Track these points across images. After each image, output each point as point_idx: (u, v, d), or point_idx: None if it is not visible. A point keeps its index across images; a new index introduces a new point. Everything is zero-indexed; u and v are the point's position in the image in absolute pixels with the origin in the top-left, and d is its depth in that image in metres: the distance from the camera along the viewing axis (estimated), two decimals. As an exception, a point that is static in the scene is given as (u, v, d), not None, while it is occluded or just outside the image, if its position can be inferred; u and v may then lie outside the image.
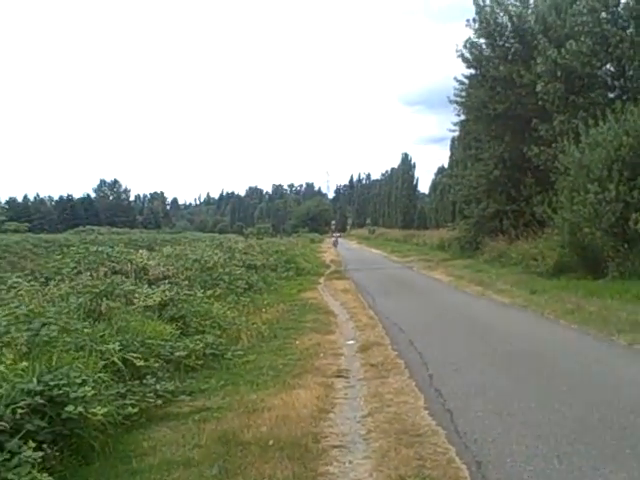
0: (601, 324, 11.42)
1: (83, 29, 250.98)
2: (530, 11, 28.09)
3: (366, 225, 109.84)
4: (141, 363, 7.54)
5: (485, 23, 28.57)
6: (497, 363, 9.04)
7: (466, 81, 31.50)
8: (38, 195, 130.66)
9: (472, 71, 30.55)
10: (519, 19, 27.81)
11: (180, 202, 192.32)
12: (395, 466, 5.20)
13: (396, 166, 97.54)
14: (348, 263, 36.53)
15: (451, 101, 32.58)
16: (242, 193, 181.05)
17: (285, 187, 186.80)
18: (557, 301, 14.63)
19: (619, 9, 23.63)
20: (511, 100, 27.83)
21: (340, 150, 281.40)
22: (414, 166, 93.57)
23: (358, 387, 8.12)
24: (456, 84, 32.01)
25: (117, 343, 7.56)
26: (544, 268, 20.48)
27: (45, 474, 4.56)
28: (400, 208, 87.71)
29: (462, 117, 33.32)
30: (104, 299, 9.63)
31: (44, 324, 6.90)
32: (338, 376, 8.66)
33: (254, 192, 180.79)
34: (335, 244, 63.31)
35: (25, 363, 5.90)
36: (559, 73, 23.35)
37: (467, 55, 29.84)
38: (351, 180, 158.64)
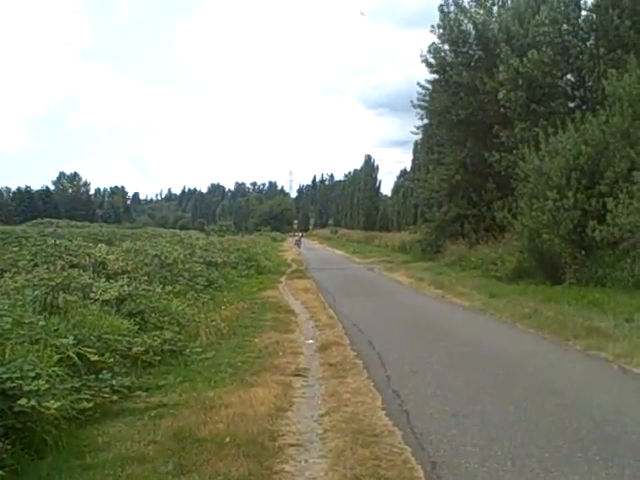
0: (557, 329, 11.59)
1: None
2: (494, 19, 28.35)
3: (328, 225, 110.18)
4: (95, 358, 7.42)
5: (449, 29, 28.78)
6: (455, 365, 9.10)
7: (429, 86, 31.83)
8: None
9: (436, 76, 30.79)
10: (483, 27, 28.06)
11: (141, 197, 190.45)
12: (351, 465, 5.21)
13: (359, 168, 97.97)
14: (310, 263, 36.56)
15: (414, 105, 32.91)
16: (204, 190, 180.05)
17: (248, 185, 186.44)
18: (515, 305, 14.82)
19: (580, 21, 24.25)
20: (474, 106, 28.12)
21: (303, 150, 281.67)
22: (377, 168, 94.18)
23: (316, 386, 8.11)
24: (419, 89, 32.33)
25: (72, 337, 7.43)
26: (503, 272, 20.75)
27: (-5, 468, 4.46)
28: (362, 210, 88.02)
29: (425, 121, 33.62)
30: (60, 292, 9.48)
31: (-3, 316, 6.77)
32: (297, 375, 8.65)
33: (216, 189, 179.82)
34: (298, 244, 61.68)
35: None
36: (521, 81, 23.70)
37: (431, 60, 30.06)
38: (314, 180, 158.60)
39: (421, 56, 30.07)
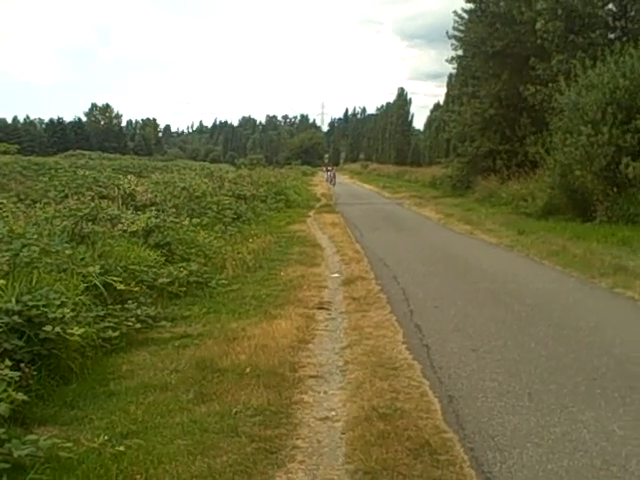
0: (584, 267, 11.47)
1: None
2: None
3: (359, 160, 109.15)
4: (121, 287, 7.55)
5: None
6: (478, 302, 9.09)
7: (466, 16, 30.88)
8: (28, 117, 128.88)
9: (472, 6, 29.93)
10: (522, -47, 27.03)
11: (172, 130, 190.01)
12: (368, 397, 5.27)
13: (392, 101, 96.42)
14: (339, 197, 36.44)
15: (450, 36, 32.05)
16: (235, 123, 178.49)
17: (279, 118, 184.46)
18: (543, 242, 14.68)
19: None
20: (510, 37, 27.35)
21: (336, 83, 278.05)
22: (410, 102, 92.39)
23: (339, 319, 8.18)
24: (456, 18, 31.43)
25: (98, 267, 7.55)
26: (533, 209, 20.51)
27: (21, 393, 4.57)
28: (394, 144, 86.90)
29: (460, 52, 32.80)
30: (89, 223, 9.59)
31: (24, 245, 6.87)
32: (320, 308, 8.72)
33: (247, 122, 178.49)
34: (331, 180, 51.70)
35: (3, 281, 5.88)
36: (560, 11, 22.86)
37: (467, -12, 29.19)
38: (346, 113, 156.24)
39: (457, -16, 29.22)
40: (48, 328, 5.36)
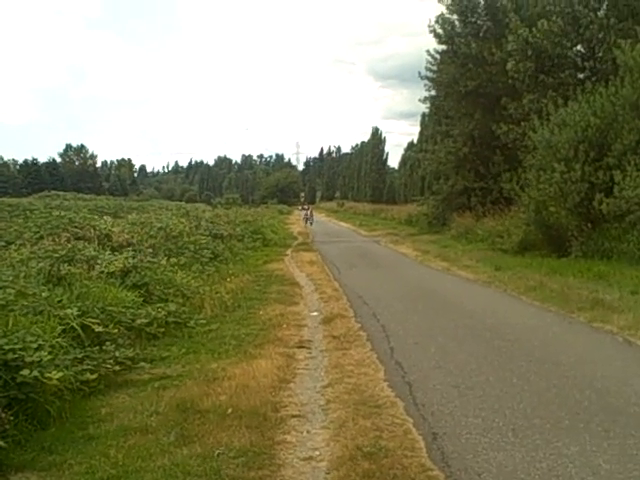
0: (562, 302, 11.57)
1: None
2: (502, -12, 28.00)
3: (335, 198, 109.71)
4: (100, 329, 7.46)
5: (458, -1, 28.50)
6: (458, 338, 9.09)
7: (438, 57, 31.44)
8: (1, 158, 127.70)
9: (444, 47, 30.50)
10: (492, -4, 27.74)
11: (148, 170, 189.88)
12: (352, 436, 5.22)
13: (366, 140, 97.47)
14: (316, 235, 36.50)
15: (422, 77, 32.58)
16: (211, 162, 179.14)
17: (255, 157, 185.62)
18: (520, 278, 14.77)
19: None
20: (482, 77, 27.90)
21: (311, 122, 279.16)
22: (384, 140, 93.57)
23: (320, 358, 8.13)
24: (429, 58, 31.98)
25: (76, 308, 7.45)
26: (509, 245, 20.71)
27: (-3, 438, 4.49)
28: (369, 182, 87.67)
29: (433, 93, 33.32)
30: (65, 264, 9.50)
31: (0, 287, 6.78)
32: (300, 347, 8.67)
33: (223, 162, 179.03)
34: (308, 219, 48.27)
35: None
36: (530, 52, 23.41)
37: (439, 31, 29.82)
38: (321, 153, 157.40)
39: (429, 27, 29.89)
40: (25, 372, 5.28)
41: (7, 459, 4.77)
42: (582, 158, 17.63)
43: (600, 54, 23.51)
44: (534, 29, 22.97)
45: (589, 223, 17.59)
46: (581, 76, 24.11)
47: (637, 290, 12.11)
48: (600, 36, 22.79)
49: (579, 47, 24.44)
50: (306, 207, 57.24)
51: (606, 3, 23.37)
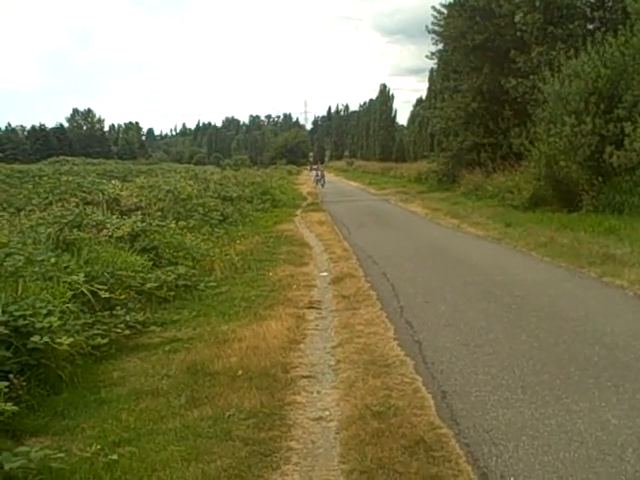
0: (573, 257, 11.50)
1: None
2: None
3: (344, 157, 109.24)
4: (106, 294, 7.47)
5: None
6: (468, 295, 9.08)
7: (444, 11, 30.90)
8: (9, 125, 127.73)
9: (451, 0, 29.96)
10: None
11: (156, 133, 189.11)
12: (362, 396, 5.25)
13: (374, 97, 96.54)
14: (325, 195, 36.41)
15: (429, 30, 32.02)
16: (219, 124, 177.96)
17: (262, 118, 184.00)
18: (531, 234, 14.69)
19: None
20: (490, 31, 27.38)
21: (318, 81, 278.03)
22: (392, 97, 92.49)
23: (329, 318, 8.15)
24: (435, 13, 31.45)
25: (83, 274, 7.46)
26: (519, 201, 20.54)
27: (10, 403, 4.52)
28: (378, 140, 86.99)
29: (440, 47, 32.81)
30: (73, 229, 9.50)
31: (8, 254, 6.80)
32: (310, 307, 8.68)
33: (231, 123, 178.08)
34: (319, 181, 45.49)
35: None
36: (538, 3, 22.97)
37: (446, -17, 29.24)
38: (329, 111, 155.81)
39: (436, -21, 29.29)
40: (36, 338, 5.31)
41: (21, 424, 4.83)
42: (592, 110, 17.35)
43: (610, 3, 23.09)
44: (543, -21, 22.50)
45: (600, 177, 17.39)
46: (590, 27, 23.69)
47: (648, 244, 12.01)
48: (610, -16, 22.35)
49: (588, -4, 23.99)
50: (316, 167, 54.90)
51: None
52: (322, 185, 44.40)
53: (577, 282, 9.87)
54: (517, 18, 23.73)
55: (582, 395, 5.08)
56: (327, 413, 5.06)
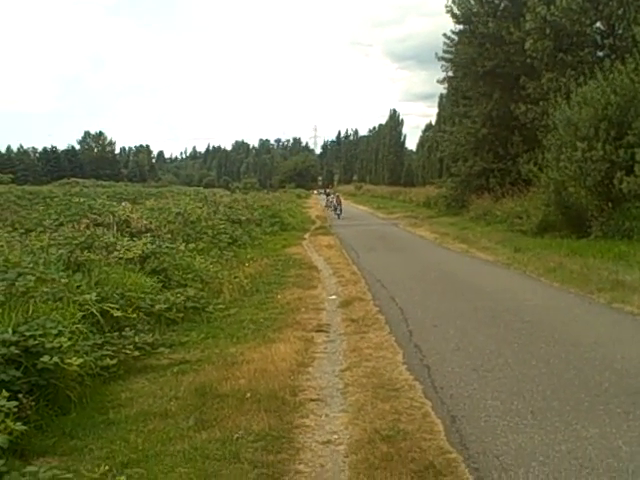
0: (582, 283, 11.47)
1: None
2: (521, -34, 27.61)
3: (353, 181, 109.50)
4: (118, 314, 7.49)
5: (475, -22, 28.21)
6: (478, 320, 9.07)
7: (455, 37, 31.19)
8: (22, 146, 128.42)
9: (461, 27, 30.27)
10: (510, -26, 27.41)
11: (166, 156, 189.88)
12: (370, 420, 5.23)
13: (384, 122, 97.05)
14: (333, 219, 36.45)
15: (439, 57, 32.29)
16: (229, 147, 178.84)
17: (272, 142, 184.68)
18: (540, 259, 14.68)
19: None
20: (500, 57, 27.61)
21: (328, 105, 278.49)
22: (402, 122, 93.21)
23: (338, 342, 8.14)
24: (445, 40, 31.70)
25: (94, 294, 7.49)
26: (528, 226, 20.56)
27: (19, 423, 4.52)
28: (387, 165, 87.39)
29: (450, 73, 33.03)
30: (84, 251, 9.54)
31: (20, 274, 6.82)
32: (318, 330, 8.68)
33: (241, 146, 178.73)
34: (335, 208, 39.75)
35: (-1, 311, 5.85)
36: (548, 30, 23.10)
37: (456, 11, 29.59)
38: (338, 136, 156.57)
39: (446, 6, 29.70)
40: (46, 358, 5.31)
41: (29, 444, 4.82)
42: (603, 136, 17.39)
43: (620, 31, 23.15)
44: (552, 7, 22.62)
45: (609, 202, 17.38)
46: (600, 54, 23.80)
47: (658, 270, 11.97)
48: (620, 12, 22.43)
49: (598, 24, 24.07)
50: (329, 191, 51.89)
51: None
52: (338, 215, 38.16)
53: (587, 308, 9.83)
54: (527, 45, 23.88)
55: (592, 421, 5.05)
56: (336, 436, 5.04)
